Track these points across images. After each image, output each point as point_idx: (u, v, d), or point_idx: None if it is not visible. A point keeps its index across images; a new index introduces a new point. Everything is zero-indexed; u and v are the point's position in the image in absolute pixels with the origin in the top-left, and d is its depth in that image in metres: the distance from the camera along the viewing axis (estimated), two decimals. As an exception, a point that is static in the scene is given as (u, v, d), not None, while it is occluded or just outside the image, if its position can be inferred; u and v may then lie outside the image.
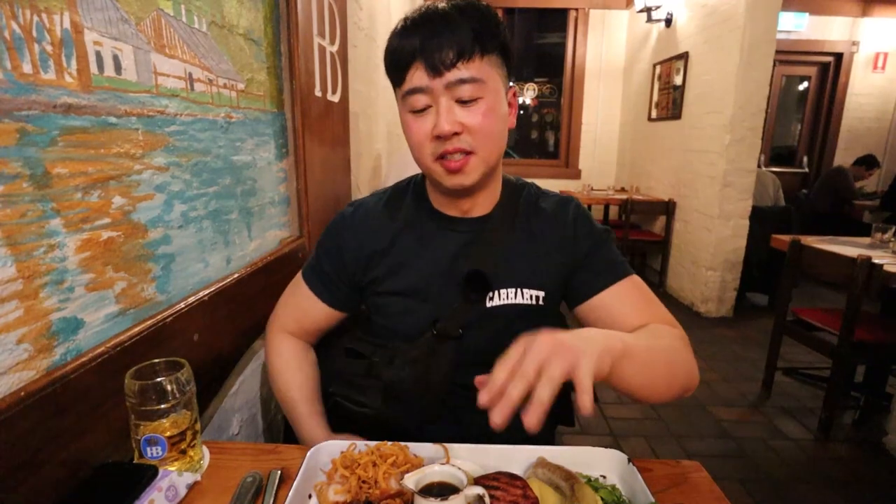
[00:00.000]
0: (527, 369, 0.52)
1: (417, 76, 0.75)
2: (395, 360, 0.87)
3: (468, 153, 0.77)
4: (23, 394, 0.55)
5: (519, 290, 0.87)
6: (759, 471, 2.10)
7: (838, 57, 5.47)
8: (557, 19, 5.61)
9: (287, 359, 0.96)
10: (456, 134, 0.76)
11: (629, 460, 0.69)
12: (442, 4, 0.77)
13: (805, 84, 5.74)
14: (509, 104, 0.83)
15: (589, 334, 0.59)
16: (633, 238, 4.77)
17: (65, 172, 0.63)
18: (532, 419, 0.50)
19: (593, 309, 0.87)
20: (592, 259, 0.88)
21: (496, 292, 0.86)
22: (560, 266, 0.89)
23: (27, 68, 0.58)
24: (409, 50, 0.75)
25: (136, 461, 0.66)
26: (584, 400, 0.51)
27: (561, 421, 1.06)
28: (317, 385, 0.96)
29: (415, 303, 0.87)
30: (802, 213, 4.55)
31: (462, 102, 0.76)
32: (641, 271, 5.16)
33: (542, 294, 0.87)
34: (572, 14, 5.51)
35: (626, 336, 0.65)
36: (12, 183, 0.56)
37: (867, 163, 4.94)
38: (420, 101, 0.76)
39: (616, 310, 0.85)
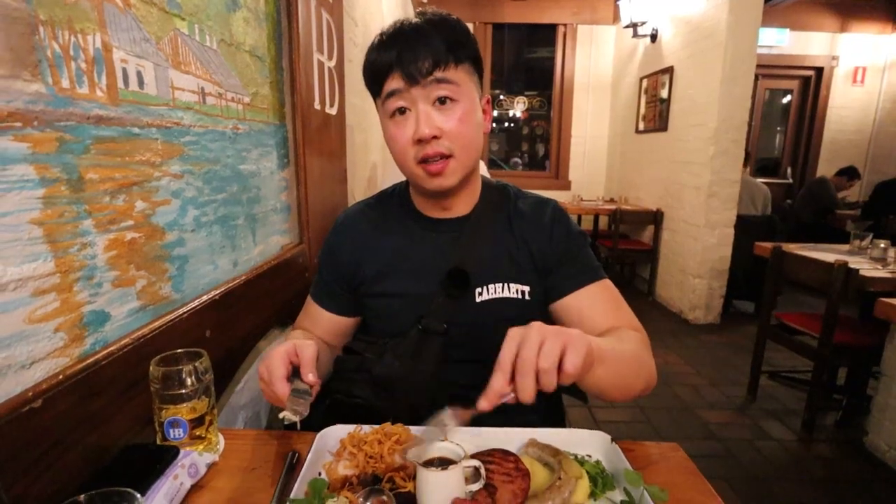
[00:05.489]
0: (528, 359, 0.57)
1: (395, 83, 0.81)
2: (385, 356, 0.90)
3: (447, 157, 0.83)
4: (61, 377, 0.61)
5: (506, 284, 0.91)
6: (745, 470, 2.17)
7: (819, 71, 5.66)
8: (546, 34, 5.76)
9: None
10: (435, 138, 0.82)
11: (612, 439, 0.75)
12: (415, 20, 0.83)
13: (788, 97, 5.92)
14: (483, 111, 0.90)
15: (575, 331, 0.63)
16: (623, 248, 4.86)
17: (96, 178, 0.69)
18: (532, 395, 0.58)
19: (565, 308, 0.92)
20: (568, 260, 0.93)
21: (485, 287, 0.91)
22: (540, 263, 0.93)
23: (65, 83, 0.64)
24: (386, 61, 0.81)
25: (158, 444, 0.72)
26: (569, 378, 0.58)
27: (552, 422, 1.12)
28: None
29: (402, 302, 0.93)
30: (787, 223, 4.67)
31: (440, 103, 0.81)
32: (631, 280, 5.25)
33: (527, 289, 0.92)
34: (561, 29, 5.67)
35: (600, 340, 0.71)
36: (53, 186, 0.62)
37: (848, 173, 5.10)
38: (397, 102, 0.82)
39: (587, 311, 0.90)
